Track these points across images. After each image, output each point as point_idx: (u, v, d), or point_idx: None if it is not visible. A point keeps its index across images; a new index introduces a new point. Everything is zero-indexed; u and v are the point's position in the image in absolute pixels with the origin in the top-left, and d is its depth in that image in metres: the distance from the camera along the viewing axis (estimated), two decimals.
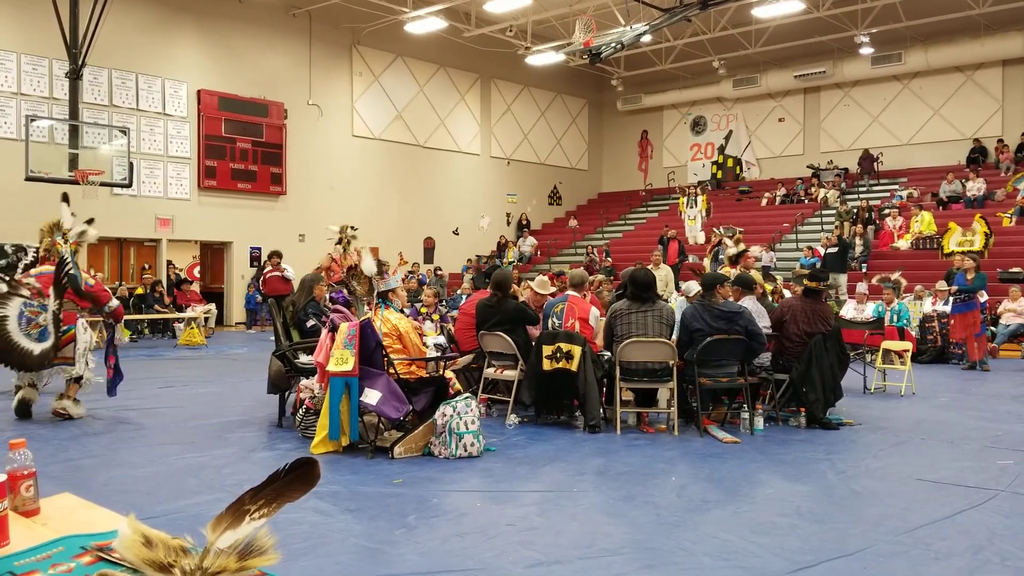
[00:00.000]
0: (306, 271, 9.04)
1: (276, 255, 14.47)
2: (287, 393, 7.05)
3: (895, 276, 14.95)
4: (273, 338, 7.61)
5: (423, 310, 10.18)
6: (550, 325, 7.19)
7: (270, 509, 1.40)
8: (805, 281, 7.45)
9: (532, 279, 9.41)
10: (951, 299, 12.38)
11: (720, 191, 26.03)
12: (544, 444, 6.29)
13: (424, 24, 20.70)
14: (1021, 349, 13.42)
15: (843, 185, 23.15)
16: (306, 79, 21.05)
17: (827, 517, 4.38)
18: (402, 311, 6.50)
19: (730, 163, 27.11)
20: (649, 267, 13.05)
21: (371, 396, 5.64)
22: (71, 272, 6.81)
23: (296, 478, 1.46)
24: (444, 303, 11.66)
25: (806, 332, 7.11)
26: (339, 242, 13.02)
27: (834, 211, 20.87)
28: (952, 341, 12.46)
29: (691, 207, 21.11)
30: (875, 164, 23.35)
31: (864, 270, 17.64)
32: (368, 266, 6.74)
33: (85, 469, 5.33)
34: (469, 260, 23.62)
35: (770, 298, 8.85)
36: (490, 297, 7.59)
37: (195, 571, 1.31)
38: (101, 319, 8.36)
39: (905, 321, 11.94)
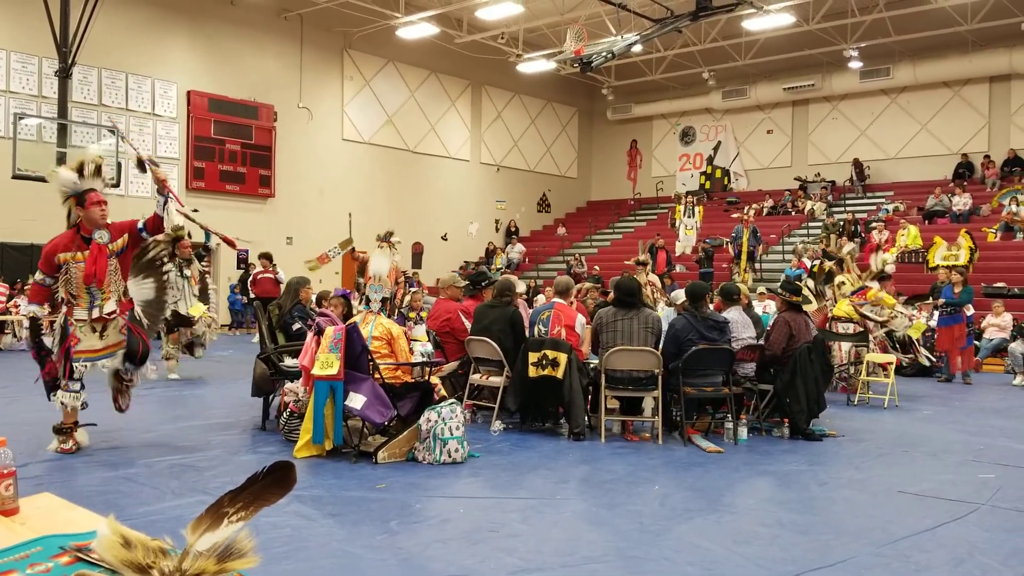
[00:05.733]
0: (293, 274, 8.99)
1: (266, 257, 14.42)
2: (271, 396, 7.02)
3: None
4: (257, 341, 7.57)
5: (411, 315, 10.17)
6: (536, 332, 7.19)
7: (248, 512, 1.41)
8: (792, 297, 7.46)
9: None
10: (936, 312, 12.45)
11: (708, 202, 26.10)
12: (528, 451, 6.29)
13: (416, 30, 20.74)
14: (1004, 364, 13.51)
15: (830, 198, 23.30)
16: (297, 82, 21.02)
17: (809, 528, 4.40)
18: (390, 316, 6.49)
19: (718, 174, 27.25)
20: (635, 275, 13.06)
21: (356, 400, 5.63)
22: None
23: (273, 482, 1.47)
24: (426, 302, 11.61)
25: (806, 342, 7.16)
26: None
27: (821, 223, 20.98)
28: (936, 353, 12.52)
29: (688, 216, 21.09)
30: (864, 172, 23.52)
31: None
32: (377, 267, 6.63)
33: (66, 469, 5.29)
34: (461, 267, 23.57)
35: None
36: (492, 299, 7.65)
37: (174, 573, 1.32)
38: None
39: None
